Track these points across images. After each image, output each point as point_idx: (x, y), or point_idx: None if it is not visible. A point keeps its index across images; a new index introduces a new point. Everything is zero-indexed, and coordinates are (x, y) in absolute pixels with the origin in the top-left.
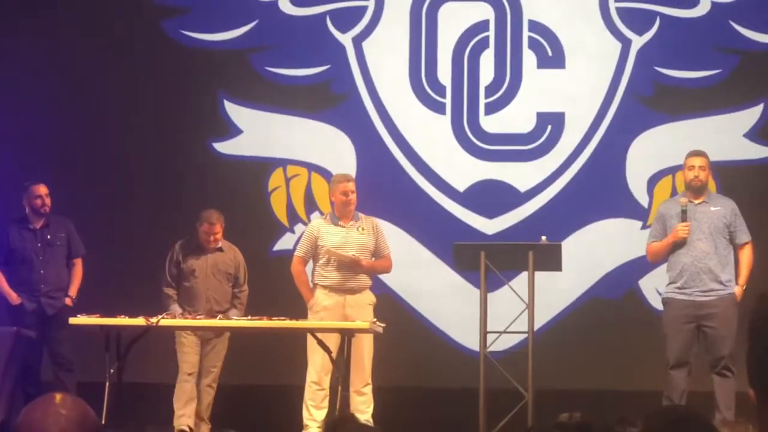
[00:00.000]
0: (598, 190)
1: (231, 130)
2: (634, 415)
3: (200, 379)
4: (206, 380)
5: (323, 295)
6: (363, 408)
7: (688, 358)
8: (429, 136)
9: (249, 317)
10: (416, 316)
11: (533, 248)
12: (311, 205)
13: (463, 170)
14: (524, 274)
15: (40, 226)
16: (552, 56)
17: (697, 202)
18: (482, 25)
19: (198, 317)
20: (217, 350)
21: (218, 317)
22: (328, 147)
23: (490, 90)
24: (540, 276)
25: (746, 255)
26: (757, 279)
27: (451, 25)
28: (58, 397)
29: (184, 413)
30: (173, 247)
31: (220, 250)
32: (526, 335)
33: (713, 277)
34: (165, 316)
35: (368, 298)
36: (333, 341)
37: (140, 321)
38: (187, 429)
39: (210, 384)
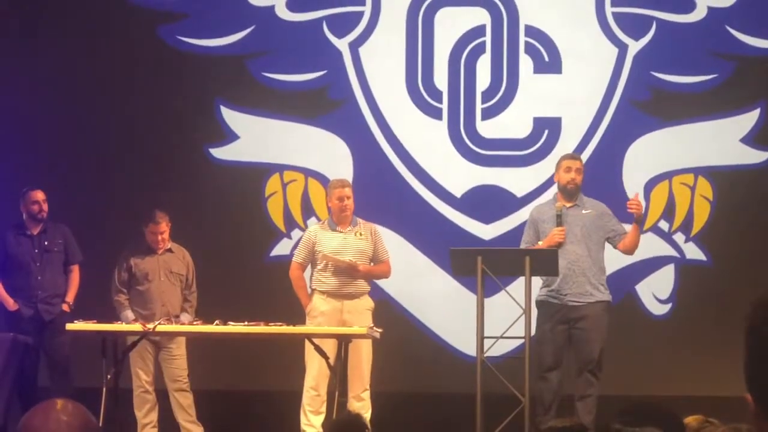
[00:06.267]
0: (595, 195)
1: (228, 136)
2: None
3: (168, 388)
4: (175, 385)
5: (321, 300)
6: (361, 413)
7: (561, 361)
8: (426, 142)
9: (246, 323)
10: (413, 322)
11: (530, 253)
12: (308, 211)
13: (460, 175)
14: (521, 280)
15: (38, 232)
16: (548, 61)
17: (568, 205)
18: (479, 30)
19: (161, 322)
20: (176, 358)
21: (204, 322)
22: (325, 152)
23: (487, 95)
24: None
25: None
26: (757, 283)
27: (447, 30)
28: (59, 403)
29: (148, 422)
30: (121, 252)
31: (170, 251)
32: (523, 340)
33: (587, 280)
34: (162, 322)
35: (366, 303)
36: (331, 347)
37: (137, 327)
38: None
39: (181, 389)
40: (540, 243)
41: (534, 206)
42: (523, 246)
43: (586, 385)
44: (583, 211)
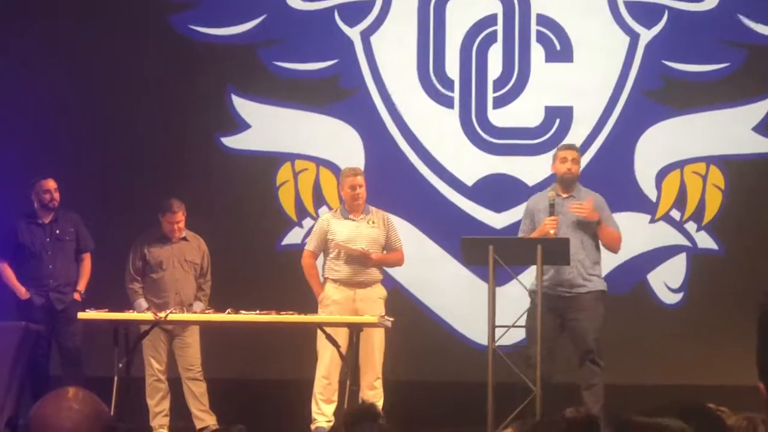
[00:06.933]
0: (607, 184)
1: (239, 125)
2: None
3: (181, 376)
4: (188, 374)
5: (333, 289)
6: (374, 402)
7: (551, 350)
8: (437, 131)
9: (258, 312)
10: (425, 310)
11: (541, 242)
12: (319, 200)
13: (472, 164)
14: (533, 268)
15: (49, 220)
16: (560, 50)
17: (564, 196)
18: (490, 19)
19: (173, 310)
20: (189, 346)
21: (216, 311)
22: (337, 141)
23: (498, 84)
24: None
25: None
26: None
27: (459, 19)
28: (70, 391)
29: (160, 411)
30: (136, 240)
31: (185, 239)
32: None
33: (578, 272)
34: (173, 311)
35: (379, 292)
36: (343, 335)
37: (148, 316)
38: None
39: (194, 377)
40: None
41: (531, 196)
42: (520, 235)
43: (590, 375)
44: (578, 202)
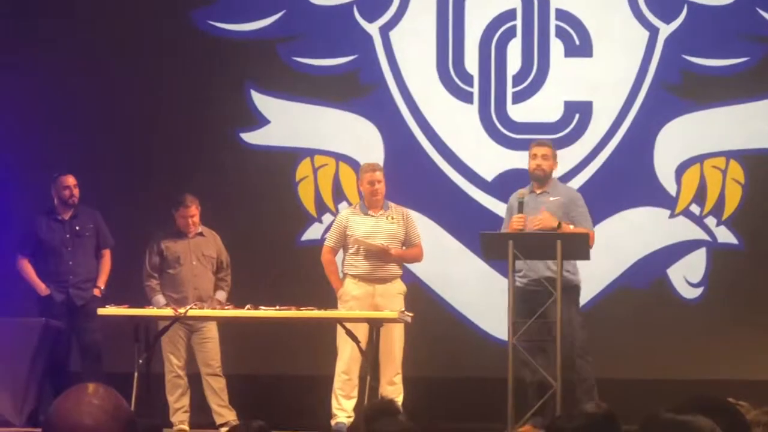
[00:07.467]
0: (626, 179)
1: (259, 121)
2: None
3: (200, 372)
4: (207, 370)
5: (353, 284)
6: (394, 398)
7: (542, 346)
8: (456, 126)
9: (277, 307)
10: (444, 306)
11: (561, 237)
12: (339, 195)
13: (491, 159)
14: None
15: (69, 217)
16: (579, 45)
17: (538, 192)
18: (509, 14)
19: (193, 306)
20: (209, 341)
21: (235, 307)
22: (356, 137)
23: (518, 79)
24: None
25: None
26: None
27: (478, 14)
28: (90, 387)
29: (180, 407)
30: (153, 236)
31: (201, 234)
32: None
33: (547, 267)
34: (193, 306)
35: (398, 287)
36: (363, 331)
37: (168, 312)
38: (187, 428)
39: (214, 373)
40: None
41: (514, 192)
42: (503, 230)
43: (579, 371)
44: (551, 198)
